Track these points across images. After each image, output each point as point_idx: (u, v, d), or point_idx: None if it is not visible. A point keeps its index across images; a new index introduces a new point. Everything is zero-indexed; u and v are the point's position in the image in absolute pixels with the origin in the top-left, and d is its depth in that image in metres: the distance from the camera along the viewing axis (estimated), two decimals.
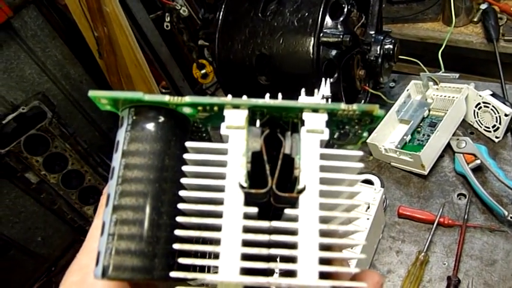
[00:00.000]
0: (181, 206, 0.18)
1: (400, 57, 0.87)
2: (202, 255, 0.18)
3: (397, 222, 0.76)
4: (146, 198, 0.18)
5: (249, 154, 0.18)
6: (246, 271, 0.17)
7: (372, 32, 0.79)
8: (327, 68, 0.72)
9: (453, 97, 0.83)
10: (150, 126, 0.19)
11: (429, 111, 0.86)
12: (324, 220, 0.18)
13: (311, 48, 0.70)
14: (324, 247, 0.17)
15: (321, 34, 0.69)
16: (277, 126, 0.20)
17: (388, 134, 0.87)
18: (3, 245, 1.66)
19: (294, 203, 0.18)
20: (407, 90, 0.89)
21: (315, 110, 0.19)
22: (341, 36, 0.68)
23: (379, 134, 0.84)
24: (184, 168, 0.18)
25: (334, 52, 0.70)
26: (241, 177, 0.18)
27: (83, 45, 1.53)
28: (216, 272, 0.17)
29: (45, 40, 1.61)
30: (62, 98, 1.71)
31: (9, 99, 1.55)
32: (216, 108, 0.19)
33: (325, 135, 0.19)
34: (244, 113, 0.19)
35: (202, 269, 0.18)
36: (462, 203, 0.74)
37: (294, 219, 0.18)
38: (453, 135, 0.82)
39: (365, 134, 0.21)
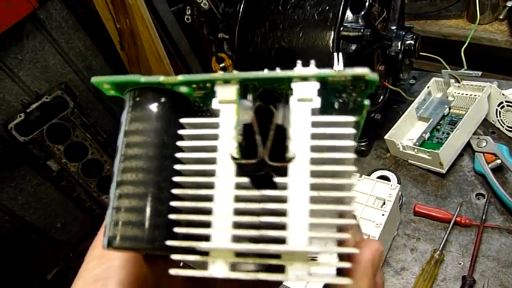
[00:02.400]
0: (176, 178, 0.19)
1: (421, 53, 0.85)
2: (198, 225, 0.18)
3: (412, 220, 0.75)
4: (146, 173, 0.19)
5: (239, 127, 0.19)
6: (237, 239, 0.18)
7: (394, 27, 0.78)
8: (346, 62, 0.71)
9: (475, 95, 0.82)
10: (148, 106, 0.20)
11: (450, 109, 0.85)
12: (316, 187, 0.18)
13: (331, 42, 0.69)
14: (315, 214, 0.18)
15: (341, 28, 0.69)
16: (272, 100, 0.20)
17: (407, 132, 0.86)
18: (25, 229, 1.72)
19: (285, 172, 0.18)
20: (428, 87, 0.87)
21: (305, 79, 0.19)
22: (362, 30, 0.67)
23: (397, 131, 0.83)
24: (179, 143, 0.19)
25: (354, 46, 0.70)
26: (233, 149, 0.18)
27: (105, 37, 1.56)
28: (209, 240, 0.18)
29: (68, 31, 1.65)
30: (84, 88, 1.75)
31: (34, 88, 1.60)
32: (208, 84, 0.19)
33: (316, 103, 0.18)
34: (234, 88, 0.19)
35: (198, 239, 0.18)
36: (480, 203, 0.73)
37: (285, 187, 0.18)
38: (474, 134, 0.80)
39: (366, 102, 0.20)
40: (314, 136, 0.18)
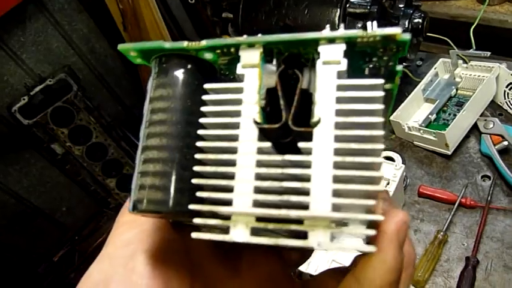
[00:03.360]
0: (199, 143, 0.19)
1: (429, 35, 0.84)
2: (220, 189, 0.18)
3: (417, 201, 0.74)
4: (170, 138, 0.19)
5: (263, 91, 0.19)
6: (259, 203, 0.17)
7: (401, 5, 0.76)
8: None
9: (483, 76, 0.80)
10: (173, 72, 0.19)
11: (457, 90, 0.83)
12: (340, 153, 0.17)
13: (336, 19, 0.68)
14: (340, 180, 0.17)
15: (348, 5, 0.67)
16: (298, 64, 0.19)
17: (413, 113, 0.85)
18: (31, 213, 1.73)
19: (310, 137, 0.18)
20: (435, 68, 0.86)
21: (331, 41, 0.18)
22: (368, 7, 0.66)
23: (403, 112, 0.82)
24: (203, 108, 0.19)
25: (360, 24, 0.69)
26: (255, 114, 0.18)
27: (108, 20, 1.55)
28: (231, 205, 0.17)
29: (71, 14, 1.63)
30: (87, 71, 1.74)
31: (37, 71, 1.59)
32: (232, 49, 0.19)
33: (343, 66, 0.18)
34: (258, 51, 0.19)
35: (220, 203, 0.18)
36: (486, 185, 0.72)
37: (309, 152, 0.17)
38: (481, 115, 0.79)
39: (399, 68, 0.20)
40: (339, 100, 0.18)
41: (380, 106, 0.17)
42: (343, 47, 0.18)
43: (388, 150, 0.79)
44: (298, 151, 0.18)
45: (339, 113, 0.17)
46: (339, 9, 0.68)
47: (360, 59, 0.19)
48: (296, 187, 0.17)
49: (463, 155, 0.78)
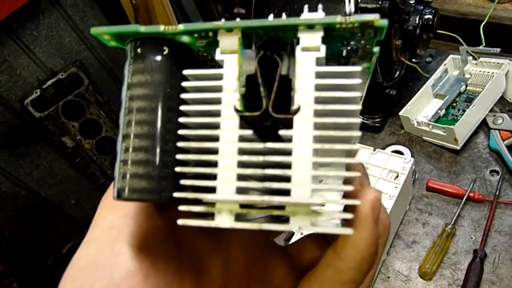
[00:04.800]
0: (181, 131, 0.18)
1: (438, 32, 0.84)
2: (203, 177, 0.18)
3: (425, 195, 0.75)
4: (150, 126, 0.18)
5: (243, 78, 0.18)
6: (242, 190, 0.18)
7: (412, 2, 0.77)
8: None
9: (493, 73, 0.81)
10: (150, 57, 0.19)
11: (466, 86, 0.84)
12: (320, 140, 0.18)
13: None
14: (319, 166, 0.18)
15: (359, 0, 0.68)
16: (277, 48, 0.19)
17: (422, 109, 0.85)
18: (41, 205, 1.76)
19: (290, 124, 0.18)
20: (445, 64, 0.87)
21: (310, 27, 0.18)
22: (380, 2, 0.67)
23: (412, 107, 0.82)
24: (183, 95, 0.19)
25: None
26: (236, 101, 0.18)
27: (120, 15, 1.57)
28: (215, 192, 0.18)
29: (84, 9, 1.66)
30: (98, 66, 1.76)
31: (49, 65, 1.61)
32: (211, 34, 0.19)
33: (321, 52, 0.18)
34: (237, 36, 0.18)
35: (203, 191, 0.18)
36: (494, 180, 0.73)
37: (289, 140, 0.18)
38: (490, 111, 0.80)
39: (375, 49, 0.20)
40: (318, 87, 0.18)
41: (357, 94, 0.18)
42: (321, 33, 0.18)
43: (397, 145, 0.79)
44: (278, 136, 0.18)
45: (317, 100, 0.18)
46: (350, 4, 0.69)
47: (338, 42, 0.19)
48: (278, 174, 0.17)
49: (472, 150, 0.78)
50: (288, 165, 0.17)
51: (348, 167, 0.18)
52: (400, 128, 0.86)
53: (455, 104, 0.82)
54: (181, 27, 0.18)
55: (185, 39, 0.19)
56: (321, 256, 0.21)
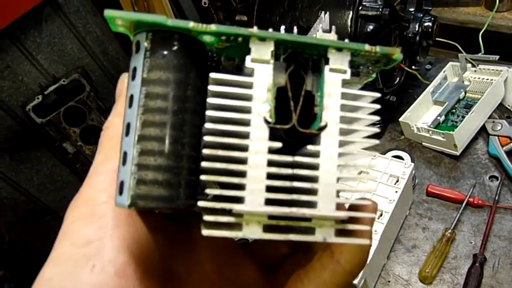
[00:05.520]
0: (207, 138, 0.18)
1: (438, 39, 0.86)
2: (230, 187, 0.18)
3: (425, 200, 0.76)
4: (170, 129, 0.18)
5: (274, 89, 0.18)
6: (270, 202, 0.18)
7: (412, 9, 0.78)
8: (364, 42, 0.72)
9: (491, 80, 0.82)
10: (172, 53, 0.18)
11: (465, 93, 0.85)
12: (343, 156, 0.19)
13: (349, 21, 0.70)
14: (342, 181, 0.19)
15: (360, 7, 0.69)
16: (298, 62, 0.20)
17: (422, 115, 0.86)
18: (41, 210, 1.75)
19: (314, 140, 0.19)
20: (444, 71, 0.88)
21: (339, 49, 0.19)
22: (380, 9, 0.68)
23: (412, 114, 0.83)
24: (209, 100, 0.18)
25: (371, 26, 0.71)
26: (267, 113, 0.18)
27: None
28: (242, 202, 0.18)
29: (86, 16, 1.67)
30: (100, 73, 1.77)
31: (51, 72, 1.63)
32: (240, 39, 0.18)
33: (347, 75, 0.19)
34: (270, 47, 0.18)
35: (228, 200, 0.18)
36: (494, 185, 0.74)
37: (315, 154, 0.18)
38: (489, 117, 0.81)
39: (374, 75, 0.22)
40: (344, 108, 0.19)
41: (376, 118, 0.19)
42: (349, 57, 0.19)
43: (397, 150, 0.80)
44: (296, 149, 0.19)
45: (343, 120, 0.19)
46: (351, 12, 0.70)
47: (350, 63, 0.20)
48: (305, 187, 0.18)
49: (471, 156, 0.79)
50: (315, 179, 0.18)
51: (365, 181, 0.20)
52: (400, 134, 0.87)
53: (454, 110, 0.83)
54: (213, 27, 0.18)
55: (207, 39, 0.18)
56: (282, 252, 0.24)
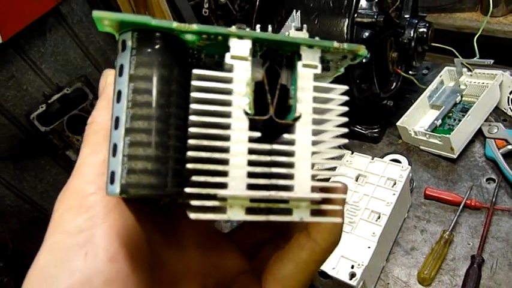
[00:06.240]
0: (192, 129, 0.19)
1: (434, 45, 0.87)
2: (214, 174, 0.19)
3: (423, 203, 0.77)
4: (157, 122, 0.19)
5: (252, 84, 0.20)
6: (251, 187, 0.19)
7: (407, 16, 0.80)
8: None
9: (487, 83, 0.83)
10: (156, 51, 0.19)
11: (462, 97, 0.86)
12: (316, 144, 0.20)
13: (345, 28, 0.72)
14: (316, 166, 0.20)
15: (356, 15, 0.71)
16: (273, 59, 0.21)
17: (419, 119, 0.88)
18: (44, 218, 1.77)
19: (289, 129, 0.20)
20: (440, 76, 0.89)
21: (311, 46, 0.21)
22: (375, 16, 0.69)
23: (409, 118, 0.85)
24: (193, 94, 0.19)
25: (367, 33, 0.72)
26: (246, 105, 0.20)
27: None
28: (225, 188, 0.19)
29: (89, 26, 1.70)
30: None
31: (55, 81, 1.65)
32: (220, 37, 0.20)
33: (318, 70, 0.21)
34: (248, 45, 0.20)
35: (212, 186, 0.19)
36: (491, 187, 0.75)
37: (291, 142, 0.20)
38: (485, 121, 0.82)
39: (343, 69, 0.24)
40: (316, 99, 0.21)
41: (345, 108, 0.21)
42: (320, 54, 0.21)
43: (394, 153, 0.81)
44: (274, 138, 0.21)
45: (316, 110, 0.21)
46: (347, 19, 0.71)
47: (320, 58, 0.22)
48: (282, 172, 0.20)
49: (468, 159, 0.80)
50: (291, 165, 0.20)
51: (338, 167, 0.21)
52: (398, 138, 0.88)
53: (451, 114, 0.85)
54: (195, 27, 0.19)
55: (189, 37, 0.20)
56: (262, 238, 0.26)
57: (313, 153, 0.20)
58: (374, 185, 0.69)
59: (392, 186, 0.69)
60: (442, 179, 0.79)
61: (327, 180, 0.22)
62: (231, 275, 0.26)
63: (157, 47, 0.19)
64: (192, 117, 0.19)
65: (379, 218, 0.66)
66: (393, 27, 0.76)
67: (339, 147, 0.21)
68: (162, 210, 0.25)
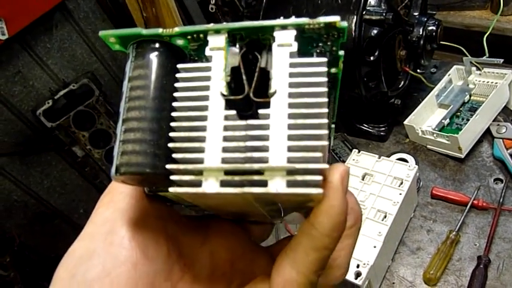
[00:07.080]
0: (174, 114, 0.21)
1: (443, 43, 0.86)
2: (193, 151, 0.21)
3: (430, 202, 0.76)
4: (148, 111, 0.21)
5: (228, 69, 0.22)
6: (226, 161, 0.21)
7: (416, 14, 0.79)
8: (368, 46, 0.73)
9: (496, 83, 0.82)
10: (149, 54, 0.22)
11: (470, 96, 0.85)
12: (293, 117, 0.20)
13: (353, 25, 0.71)
14: (293, 138, 0.20)
15: (364, 12, 0.70)
16: (258, 48, 0.22)
17: (426, 118, 0.87)
18: (50, 214, 1.78)
19: (266, 105, 0.21)
20: (449, 75, 0.88)
21: (284, 27, 0.21)
22: (384, 14, 0.69)
23: (417, 117, 0.84)
24: (176, 84, 0.22)
25: (375, 30, 0.72)
26: (222, 88, 0.21)
27: (131, 27, 1.61)
28: (203, 163, 0.21)
29: (95, 22, 1.70)
30: (109, 78, 1.80)
31: (61, 77, 1.65)
32: (202, 35, 0.22)
33: (294, 48, 0.21)
34: (224, 36, 0.22)
35: (192, 163, 0.21)
36: (498, 188, 0.74)
37: (266, 116, 0.21)
38: (493, 120, 0.81)
39: (341, 52, 0.23)
40: (292, 74, 0.21)
41: (324, 79, 0.21)
42: (293, 32, 0.21)
43: (402, 153, 0.81)
44: (257, 116, 0.21)
45: (291, 85, 0.21)
46: (355, 16, 0.71)
47: (309, 44, 0.23)
48: (257, 145, 0.20)
49: (476, 159, 0.79)
50: (266, 138, 0.20)
51: (318, 139, 0.20)
52: (405, 137, 0.87)
53: (459, 113, 0.84)
54: (177, 29, 0.21)
55: (180, 42, 0.22)
56: None
57: (290, 125, 0.20)
58: (380, 184, 0.69)
59: (399, 186, 0.68)
60: (449, 178, 0.78)
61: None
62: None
63: (150, 51, 0.22)
64: (175, 104, 0.21)
65: (385, 217, 0.66)
66: (402, 25, 0.76)
67: (319, 118, 0.21)
68: (196, 219, 0.27)
